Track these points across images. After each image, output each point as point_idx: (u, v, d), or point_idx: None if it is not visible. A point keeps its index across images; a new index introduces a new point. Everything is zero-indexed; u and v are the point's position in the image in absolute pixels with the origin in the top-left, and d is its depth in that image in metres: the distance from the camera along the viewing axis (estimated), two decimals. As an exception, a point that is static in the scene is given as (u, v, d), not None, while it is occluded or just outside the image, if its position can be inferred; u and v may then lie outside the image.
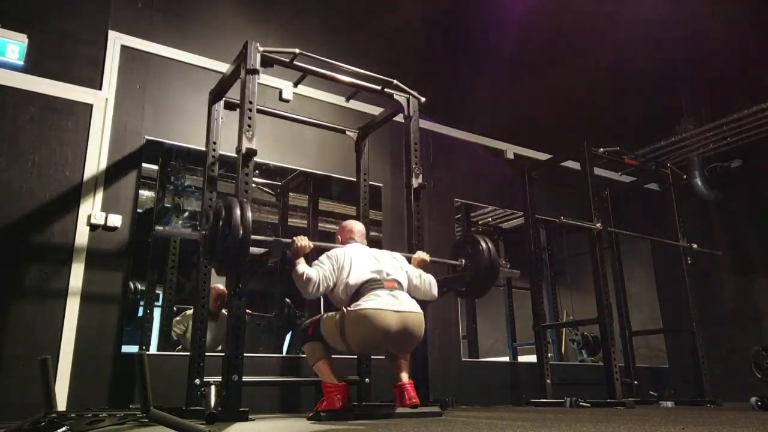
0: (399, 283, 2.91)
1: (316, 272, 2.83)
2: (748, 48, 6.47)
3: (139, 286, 4.14)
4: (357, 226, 3.27)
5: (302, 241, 2.89)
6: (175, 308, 4.67)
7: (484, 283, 3.59)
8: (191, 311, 4.55)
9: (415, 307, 2.85)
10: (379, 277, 2.85)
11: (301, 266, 2.84)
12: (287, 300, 5.01)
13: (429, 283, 3.15)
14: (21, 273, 3.34)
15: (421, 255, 3.29)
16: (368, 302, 2.73)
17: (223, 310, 4.65)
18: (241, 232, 2.62)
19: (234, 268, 2.80)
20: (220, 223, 2.68)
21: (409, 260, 3.25)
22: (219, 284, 4.66)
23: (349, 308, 2.76)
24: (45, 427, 1.95)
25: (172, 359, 3.69)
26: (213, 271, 3.51)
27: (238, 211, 2.64)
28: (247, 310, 3.19)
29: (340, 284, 2.86)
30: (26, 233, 3.41)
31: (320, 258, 2.95)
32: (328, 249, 3.04)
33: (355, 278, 2.83)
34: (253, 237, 2.75)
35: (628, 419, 2.52)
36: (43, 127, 3.59)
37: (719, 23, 6.45)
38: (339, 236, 3.27)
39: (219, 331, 4.40)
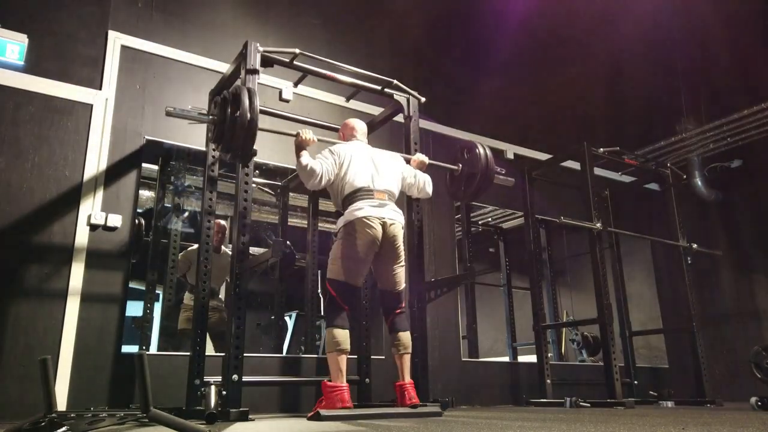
0: (390, 194, 3.12)
1: (320, 165, 3.02)
2: (748, 48, 6.47)
3: (143, 221, 4.29)
4: (359, 125, 3.41)
5: (307, 134, 3.09)
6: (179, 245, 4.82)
7: (480, 186, 3.66)
8: (193, 248, 4.60)
9: (398, 217, 3.09)
10: (372, 187, 3.05)
11: (305, 158, 3.02)
12: (288, 242, 5.03)
13: (423, 181, 3.36)
14: (21, 273, 3.34)
15: (419, 157, 3.49)
16: (358, 211, 2.97)
17: (224, 247, 4.70)
18: (249, 115, 2.71)
19: (243, 154, 2.88)
20: (228, 108, 2.75)
21: (409, 162, 3.42)
22: (220, 220, 4.72)
23: (344, 216, 3.01)
24: (45, 427, 1.94)
25: (172, 359, 3.69)
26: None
27: (246, 97, 2.73)
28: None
29: (338, 182, 3.08)
30: (26, 233, 3.41)
31: (323, 152, 3.11)
32: (332, 144, 3.20)
33: (351, 182, 3.05)
34: (260, 128, 2.82)
35: (628, 419, 2.52)
36: (43, 127, 3.59)
37: (719, 23, 6.45)
38: (342, 133, 3.41)
39: (221, 267, 4.42)
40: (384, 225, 2.99)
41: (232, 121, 2.73)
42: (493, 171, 3.61)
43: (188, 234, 4.94)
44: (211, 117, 2.95)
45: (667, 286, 6.47)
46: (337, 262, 3.00)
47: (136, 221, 3.86)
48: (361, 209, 2.97)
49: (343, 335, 2.89)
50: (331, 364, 2.88)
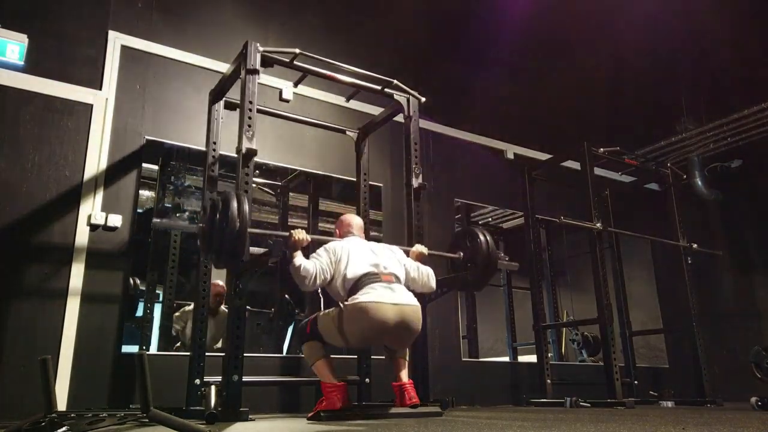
0: (396, 277, 2.90)
1: (313, 265, 2.82)
2: (748, 48, 6.47)
3: (139, 282, 4.12)
4: (355, 220, 3.29)
5: (300, 234, 2.87)
6: (174, 304, 4.69)
7: (483, 277, 3.56)
8: (190, 307, 4.56)
9: (413, 300, 2.86)
10: (377, 271, 2.84)
11: (298, 259, 2.82)
12: (287, 296, 5.01)
13: (427, 275, 3.14)
14: (21, 273, 3.34)
15: (419, 248, 3.31)
16: (365, 296, 2.73)
17: (222, 307, 4.66)
18: (239, 224, 2.62)
19: (232, 262, 2.78)
20: (218, 216, 2.67)
21: (408, 254, 3.25)
22: (218, 281, 4.67)
23: (346, 302, 2.76)
24: (45, 427, 1.94)
25: (172, 359, 3.69)
26: (213, 267, 3.51)
27: (235, 204, 2.64)
28: (247, 307, 3.19)
29: (338, 277, 2.85)
30: (26, 233, 3.41)
31: (318, 251, 2.95)
32: (326, 242, 3.04)
33: (353, 272, 2.82)
34: (251, 230, 2.75)
35: (628, 419, 2.52)
36: (43, 127, 3.59)
37: (719, 23, 6.45)
38: (337, 230, 3.29)
39: (218, 328, 4.41)
40: (400, 311, 2.75)
41: (221, 229, 2.64)
42: (495, 258, 3.50)
43: (188, 234, 4.93)
44: (200, 226, 2.85)
45: (667, 286, 6.47)
46: (325, 324, 2.89)
47: (131, 282, 3.82)
48: (369, 294, 2.73)
49: (316, 344, 2.91)
50: (319, 372, 2.88)
